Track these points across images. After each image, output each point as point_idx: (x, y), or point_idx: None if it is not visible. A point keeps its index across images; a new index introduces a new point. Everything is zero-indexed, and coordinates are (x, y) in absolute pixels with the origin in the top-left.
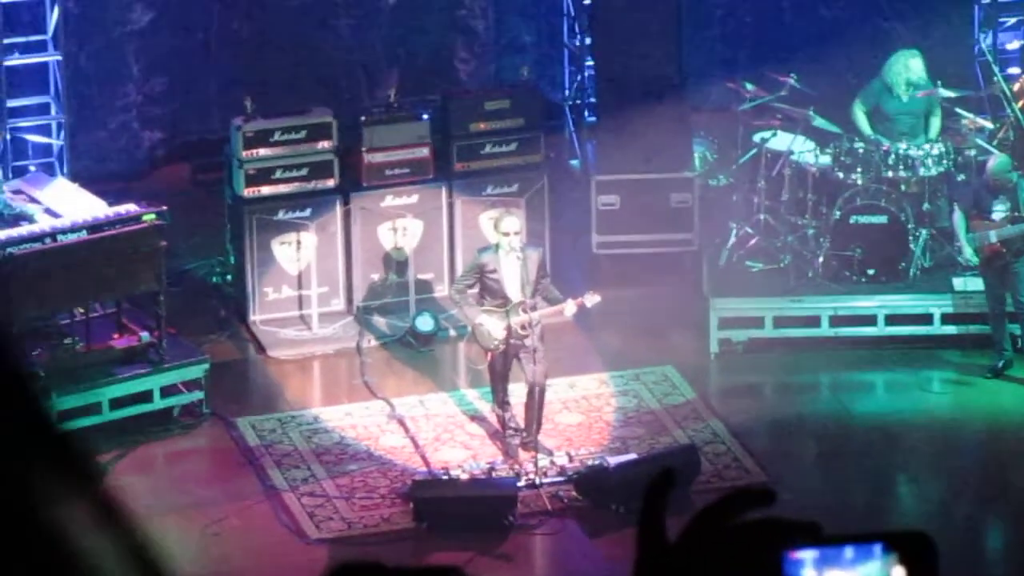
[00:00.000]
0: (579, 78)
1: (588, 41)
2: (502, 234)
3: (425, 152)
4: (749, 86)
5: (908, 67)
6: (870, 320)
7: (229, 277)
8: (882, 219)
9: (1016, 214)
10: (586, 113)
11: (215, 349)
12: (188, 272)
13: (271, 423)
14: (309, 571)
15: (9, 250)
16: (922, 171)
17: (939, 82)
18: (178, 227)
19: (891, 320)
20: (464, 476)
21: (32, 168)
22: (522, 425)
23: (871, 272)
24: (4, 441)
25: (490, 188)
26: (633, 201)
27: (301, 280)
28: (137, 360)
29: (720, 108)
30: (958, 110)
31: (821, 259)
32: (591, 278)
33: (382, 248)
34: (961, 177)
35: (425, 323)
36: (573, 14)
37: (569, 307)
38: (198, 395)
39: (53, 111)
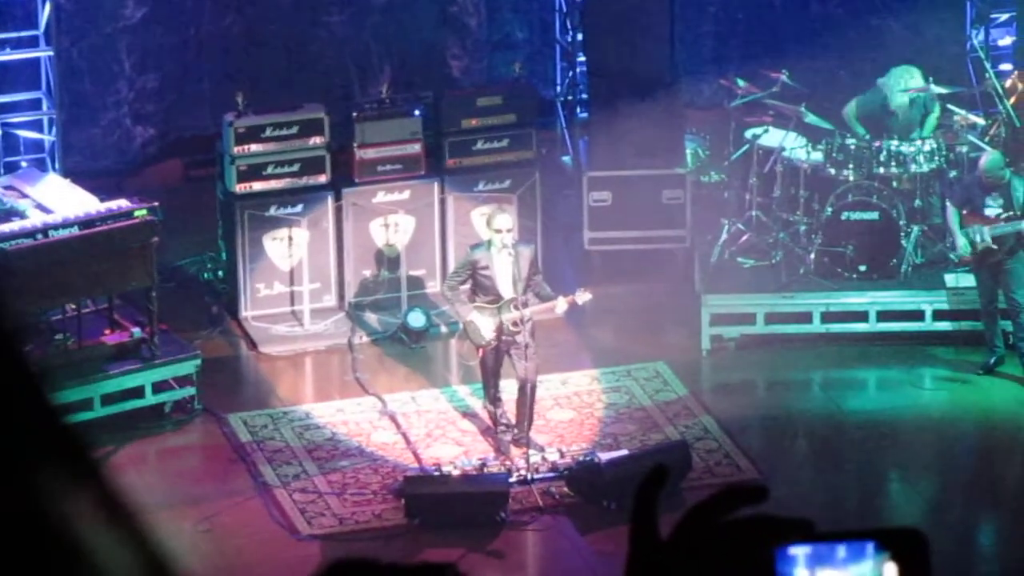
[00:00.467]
0: (571, 74)
1: (580, 37)
2: (494, 231)
3: (417, 148)
4: (741, 83)
5: (908, 83)
6: (862, 316)
7: (221, 273)
8: (874, 215)
9: (1010, 212)
10: (578, 109)
11: (207, 345)
12: (180, 268)
13: (263, 419)
14: (300, 567)
15: (0, 246)
16: (914, 168)
17: (931, 79)
18: (170, 223)
19: (883, 316)
20: (456, 472)
21: (24, 164)
22: (514, 421)
23: (863, 268)
24: (11, 433)
25: (482, 184)
26: (625, 197)
27: (293, 276)
28: (129, 356)
29: (712, 105)
30: (950, 106)
31: (813, 255)
32: (583, 274)
33: (374, 244)
34: (953, 174)
35: (417, 319)
36: (565, 10)
37: (560, 304)
38: (190, 391)
39: (45, 107)
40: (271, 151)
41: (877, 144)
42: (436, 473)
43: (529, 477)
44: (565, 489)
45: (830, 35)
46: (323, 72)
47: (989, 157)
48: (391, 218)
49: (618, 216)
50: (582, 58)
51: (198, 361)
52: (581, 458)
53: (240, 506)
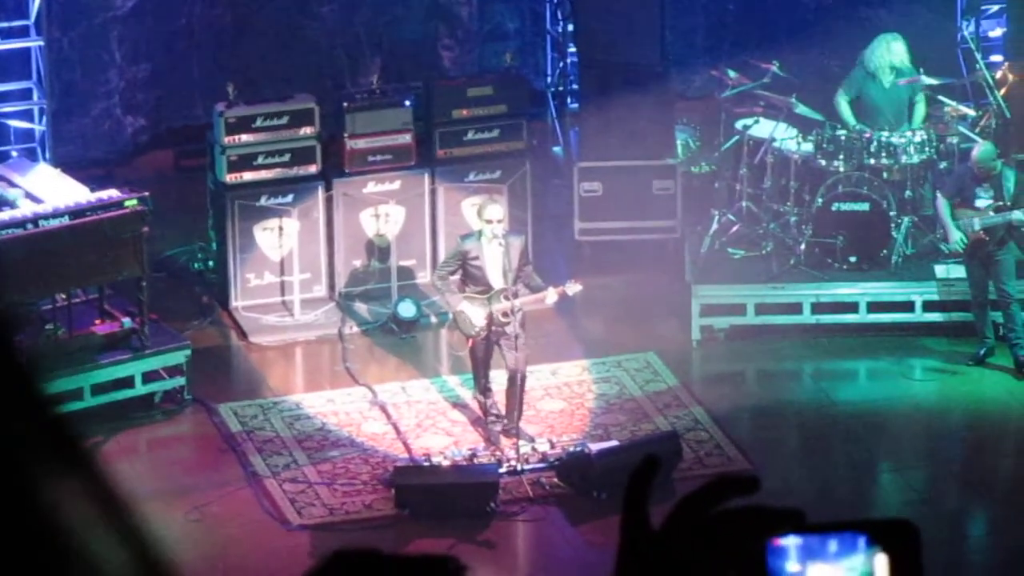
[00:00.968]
0: (562, 65)
1: (571, 28)
2: (485, 221)
3: (408, 139)
4: (732, 73)
5: (891, 50)
6: (852, 307)
7: (211, 263)
8: (864, 207)
9: (1000, 203)
10: (569, 100)
11: (197, 335)
12: (170, 258)
13: (253, 409)
14: (291, 557)
15: None
16: (904, 159)
17: (922, 70)
18: (160, 213)
19: (873, 307)
20: (446, 463)
21: (14, 154)
22: (504, 412)
23: (853, 259)
24: (2, 424)
25: (473, 175)
26: (615, 188)
27: (283, 266)
28: (119, 346)
29: (703, 95)
30: (941, 98)
31: (803, 246)
32: (573, 265)
33: (364, 234)
34: (943, 165)
35: (407, 310)
36: (556, 1)
37: (551, 295)
38: (180, 381)
39: (35, 97)
40: (262, 141)
41: (867, 135)
42: (426, 463)
43: (519, 468)
44: (555, 480)
45: (821, 25)
46: (314, 62)
47: (982, 148)
48: (381, 208)
49: (609, 207)
50: (573, 49)
51: (188, 351)
52: (571, 449)
53: (230, 496)
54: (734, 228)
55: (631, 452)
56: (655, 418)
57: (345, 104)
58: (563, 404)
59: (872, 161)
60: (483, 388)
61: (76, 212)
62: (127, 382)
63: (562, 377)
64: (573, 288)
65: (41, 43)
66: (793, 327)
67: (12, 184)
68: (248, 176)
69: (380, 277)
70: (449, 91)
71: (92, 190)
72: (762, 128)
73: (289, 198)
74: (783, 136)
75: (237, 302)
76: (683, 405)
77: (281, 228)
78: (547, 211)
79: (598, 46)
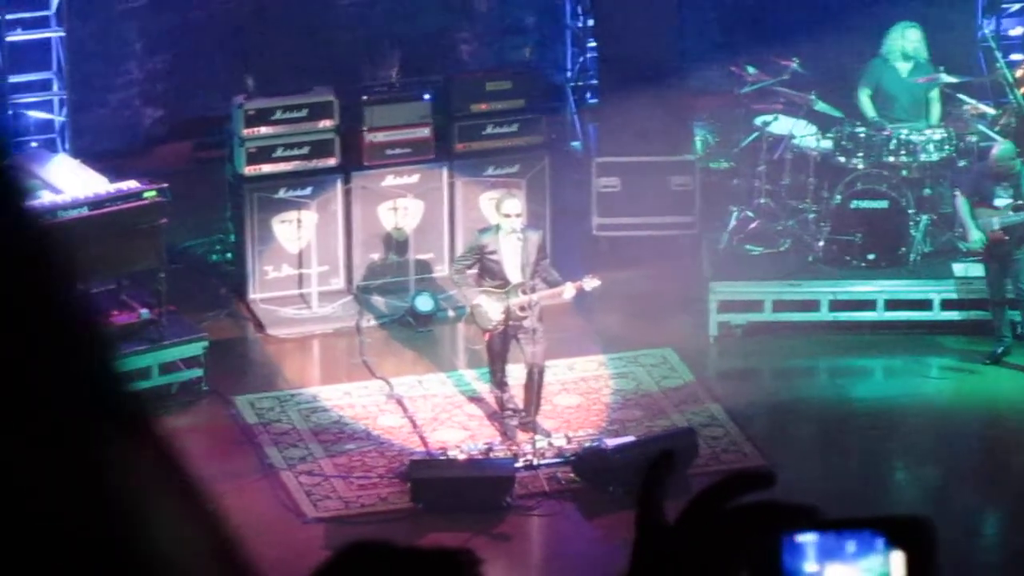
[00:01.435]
0: (581, 59)
1: (590, 23)
2: (503, 215)
3: (426, 132)
4: (751, 70)
5: (904, 36)
6: (870, 305)
7: (229, 255)
8: (883, 204)
9: (1019, 202)
10: (588, 95)
11: (214, 327)
12: (188, 250)
13: (269, 401)
14: (306, 549)
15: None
16: (923, 156)
17: (941, 68)
18: (179, 205)
19: (891, 305)
20: (462, 457)
21: (34, 144)
22: (520, 406)
23: (871, 257)
24: (81, 400)
25: (491, 169)
26: (634, 183)
27: (301, 259)
28: (136, 337)
29: (721, 91)
30: (960, 96)
31: (821, 243)
32: (591, 260)
33: (382, 228)
34: (962, 163)
35: (424, 303)
36: None
37: (568, 290)
38: (197, 373)
39: (55, 87)
40: (280, 133)
41: (887, 132)
42: (442, 457)
43: (535, 462)
44: (571, 475)
45: (841, 22)
46: (333, 55)
47: (1001, 147)
48: (399, 202)
49: (626, 202)
50: (592, 44)
51: (205, 343)
52: (587, 444)
53: (246, 488)
54: (752, 225)
55: (647, 448)
56: (671, 414)
57: (364, 97)
58: (579, 399)
59: (891, 159)
60: (500, 382)
61: (95, 203)
62: (144, 373)
63: (579, 372)
64: (591, 283)
65: (61, 34)
66: (810, 324)
67: (32, 175)
68: (267, 168)
69: (397, 270)
70: (468, 85)
71: (111, 181)
72: (781, 125)
73: (307, 191)
74: (802, 133)
75: (255, 294)
76: (699, 401)
77: (299, 221)
78: (565, 206)
79: (617, 41)
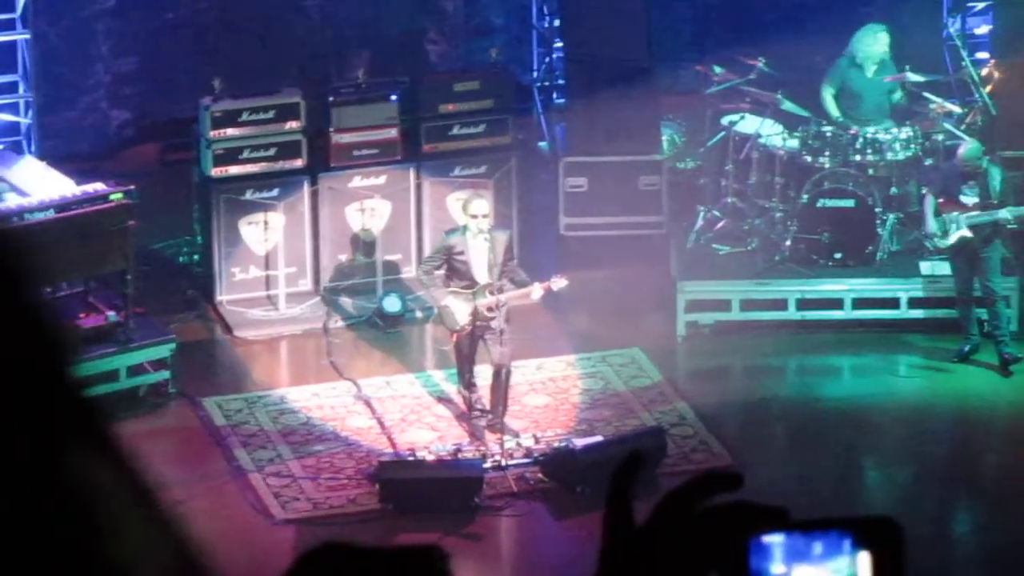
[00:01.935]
0: (548, 60)
1: (557, 23)
2: (470, 216)
3: (393, 133)
4: (718, 69)
5: (877, 40)
6: (837, 304)
7: (197, 257)
8: (850, 203)
9: (986, 200)
10: (555, 95)
11: (182, 329)
12: (156, 252)
13: (238, 403)
14: (275, 551)
15: None
16: (890, 155)
17: (908, 66)
18: (146, 207)
19: (858, 304)
20: (430, 457)
21: (0, 147)
22: (488, 407)
23: (838, 256)
24: (40, 404)
25: (458, 169)
26: (601, 183)
27: (268, 260)
28: (104, 339)
29: (689, 91)
30: (926, 95)
31: (788, 242)
32: (559, 260)
33: (350, 229)
34: (929, 161)
35: (392, 304)
36: None
37: (536, 291)
38: (165, 375)
39: (21, 90)
40: (247, 135)
41: (853, 131)
42: (411, 458)
43: (504, 463)
44: (540, 475)
45: (807, 21)
46: (300, 56)
47: (968, 146)
48: (367, 203)
49: (594, 202)
50: (559, 44)
51: (173, 345)
52: (556, 444)
53: (214, 490)
54: (719, 224)
55: (616, 447)
56: (640, 413)
57: (331, 98)
58: (548, 399)
59: (858, 157)
60: (468, 383)
61: (62, 205)
62: (112, 376)
63: (547, 372)
64: (558, 283)
65: (27, 36)
66: (778, 323)
67: None
68: (234, 170)
69: (365, 271)
70: (435, 86)
71: (78, 183)
72: (748, 124)
73: (275, 192)
74: (769, 132)
75: (222, 296)
76: (668, 401)
77: (266, 222)
78: (533, 206)
79: (585, 42)
